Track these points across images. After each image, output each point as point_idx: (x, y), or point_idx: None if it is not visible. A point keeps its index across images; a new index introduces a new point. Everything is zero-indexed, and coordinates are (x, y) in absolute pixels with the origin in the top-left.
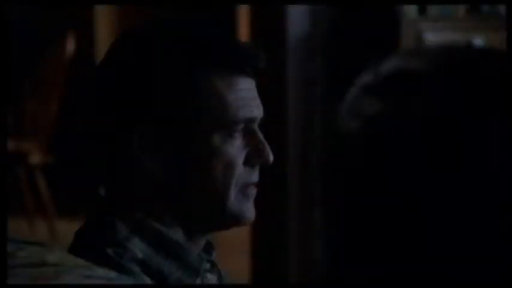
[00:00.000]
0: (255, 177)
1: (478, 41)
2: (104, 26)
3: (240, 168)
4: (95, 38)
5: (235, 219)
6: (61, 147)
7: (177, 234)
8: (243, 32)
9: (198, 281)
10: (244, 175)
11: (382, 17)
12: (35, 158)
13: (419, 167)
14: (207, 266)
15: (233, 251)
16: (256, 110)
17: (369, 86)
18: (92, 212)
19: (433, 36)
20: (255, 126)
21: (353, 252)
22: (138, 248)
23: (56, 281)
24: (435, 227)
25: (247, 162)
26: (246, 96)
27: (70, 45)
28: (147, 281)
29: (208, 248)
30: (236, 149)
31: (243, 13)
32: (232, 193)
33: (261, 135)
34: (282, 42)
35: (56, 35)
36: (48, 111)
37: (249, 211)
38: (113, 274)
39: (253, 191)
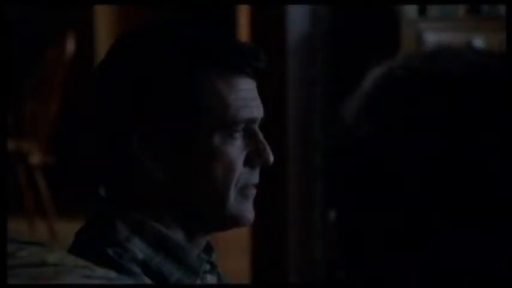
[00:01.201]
0: (255, 177)
1: (478, 41)
2: (104, 26)
3: (240, 169)
4: (95, 38)
5: (235, 220)
6: (61, 147)
7: (177, 235)
8: (243, 32)
9: (198, 282)
10: (245, 176)
11: (382, 17)
12: (35, 158)
13: (437, 168)
14: (207, 267)
15: (233, 251)
16: (257, 111)
17: (383, 87)
18: (92, 212)
19: (433, 37)
20: (256, 127)
21: (354, 252)
22: (138, 248)
23: (56, 281)
24: (440, 231)
25: (248, 162)
26: (246, 97)
27: (70, 45)
28: (147, 281)
29: (208, 249)
30: (236, 149)
31: (243, 13)
32: (232, 194)
33: (261, 136)
34: (282, 42)
35: (56, 35)
36: (48, 111)
37: (249, 212)
38: (113, 274)
39: (253, 192)
